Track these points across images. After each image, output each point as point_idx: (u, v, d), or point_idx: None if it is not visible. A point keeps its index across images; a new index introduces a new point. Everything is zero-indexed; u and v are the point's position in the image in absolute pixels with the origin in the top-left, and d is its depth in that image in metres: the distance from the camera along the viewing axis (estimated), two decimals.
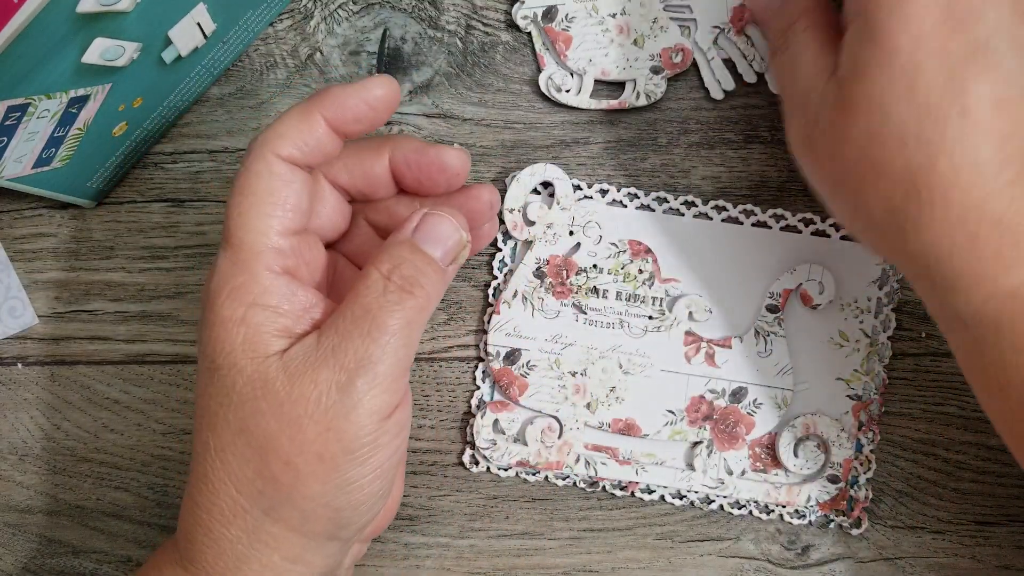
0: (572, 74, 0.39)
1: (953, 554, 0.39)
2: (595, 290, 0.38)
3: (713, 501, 0.38)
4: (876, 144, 0.28)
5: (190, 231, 0.40)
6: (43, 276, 0.40)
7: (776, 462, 0.38)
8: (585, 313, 0.38)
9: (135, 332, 0.40)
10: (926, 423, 0.39)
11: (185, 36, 0.35)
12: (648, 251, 0.38)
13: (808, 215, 0.38)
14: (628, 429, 0.38)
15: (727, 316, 0.38)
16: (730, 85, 0.38)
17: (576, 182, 0.38)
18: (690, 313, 0.38)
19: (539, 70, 0.39)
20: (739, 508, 0.38)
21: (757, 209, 0.38)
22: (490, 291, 0.39)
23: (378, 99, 0.31)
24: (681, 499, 0.38)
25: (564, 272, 0.38)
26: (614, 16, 0.38)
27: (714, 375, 0.38)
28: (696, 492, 0.38)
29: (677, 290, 0.38)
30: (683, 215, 0.38)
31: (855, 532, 0.38)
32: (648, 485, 0.39)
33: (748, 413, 0.38)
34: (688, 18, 0.38)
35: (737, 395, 0.38)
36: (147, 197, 0.40)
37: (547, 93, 0.39)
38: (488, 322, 0.38)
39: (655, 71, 0.38)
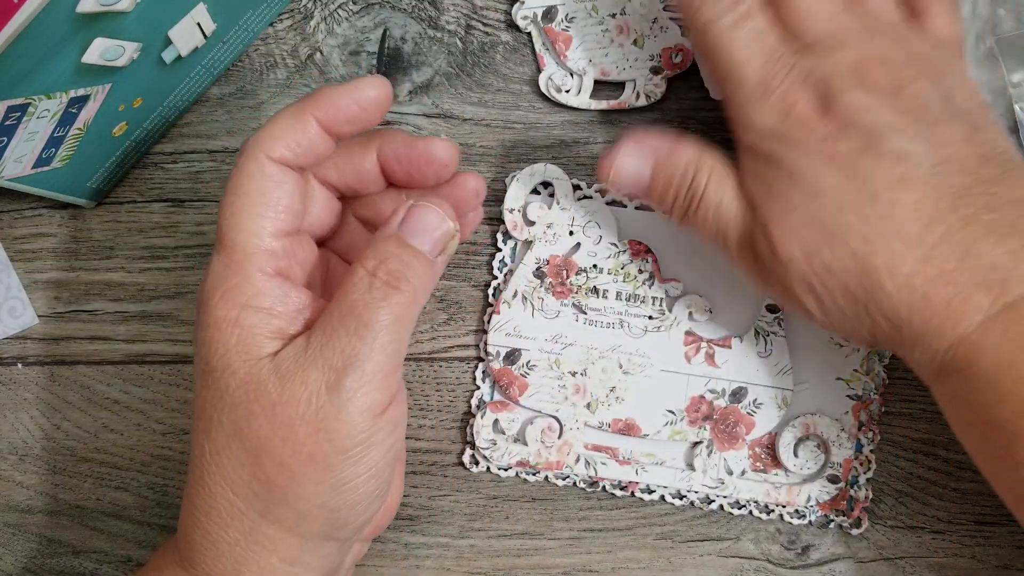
0: (572, 74, 0.39)
1: (953, 554, 0.39)
2: (595, 290, 0.38)
3: (713, 501, 0.38)
4: (817, 255, 0.30)
5: (190, 231, 0.40)
6: (43, 276, 0.40)
7: (776, 462, 0.38)
8: (585, 313, 0.38)
9: (135, 332, 0.40)
10: (926, 423, 0.39)
11: (185, 36, 0.35)
12: (648, 251, 0.38)
13: None
14: (628, 429, 0.38)
15: (727, 316, 0.38)
16: None
17: (576, 182, 0.38)
18: (690, 313, 0.38)
19: (539, 70, 0.39)
20: (739, 508, 0.38)
21: None
22: (490, 291, 0.39)
23: (370, 100, 0.31)
24: (681, 499, 0.38)
25: (564, 272, 0.38)
26: (614, 16, 0.38)
27: (714, 375, 0.38)
28: (696, 492, 0.38)
29: (677, 290, 0.38)
30: None
31: (855, 532, 0.38)
32: (648, 485, 0.39)
33: (748, 413, 0.38)
34: None
35: (737, 395, 0.38)
36: (147, 197, 0.40)
37: (547, 93, 0.39)
38: (488, 322, 0.38)
39: (655, 71, 0.38)
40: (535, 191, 0.38)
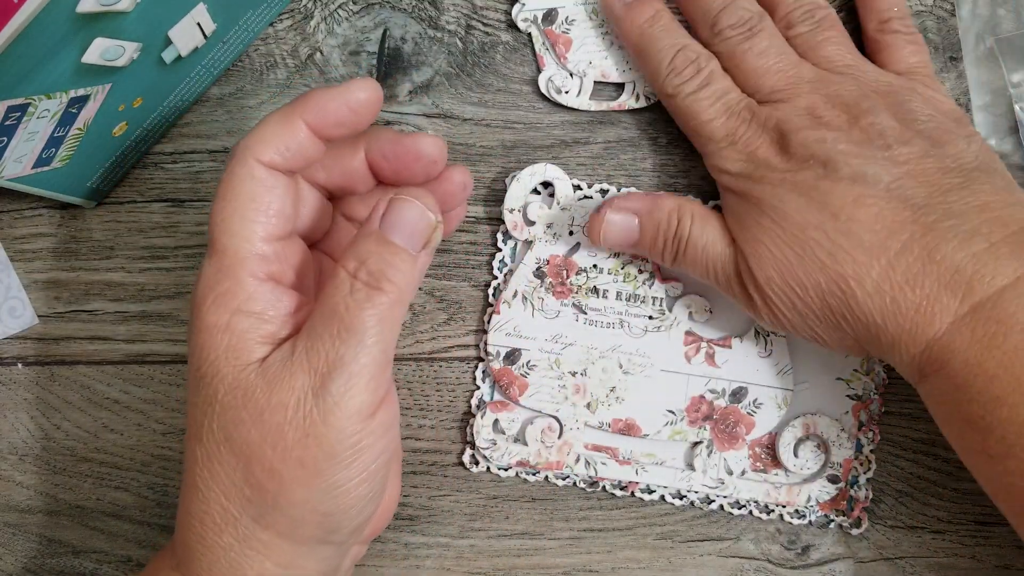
0: (572, 75, 0.39)
1: (953, 554, 0.39)
2: (595, 290, 0.38)
3: (713, 501, 0.38)
4: (790, 273, 0.33)
5: (190, 231, 0.40)
6: (43, 276, 0.40)
7: (776, 462, 0.38)
8: (585, 313, 0.38)
9: (135, 332, 0.40)
10: (926, 423, 0.39)
11: (185, 36, 0.35)
12: None
13: None
14: (628, 429, 0.38)
15: (727, 316, 0.38)
16: None
17: (576, 182, 0.38)
18: (690, 313, 0.38)
19: (539, 71, 0.39)
20: (739, 508, 0.38)
21: None
22: (490, 291, 0.39)
23: (360, 102, 0.30)
24: (681, 499, 0.38)
25: (564, 272, 0.38)
26: None
27: (714, 375, 0.38)
28: (696, 492, 0.38)
29: (677, 290, 0.38)
30: None
31: (855, 532, 0.38)
32: (648, 485, 0.39)
33: (748, 413, 0.38)
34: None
35: (737, 395, 0.38)
36: (147, 197, 0.40)
37: (547, 94, 0.39)
38: (488, 322, 0.38)
39: None
40: (535, 191, 0.38)
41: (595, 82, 0.39)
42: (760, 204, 0.33)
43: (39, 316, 0.40)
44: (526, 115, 0.39)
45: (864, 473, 0.38)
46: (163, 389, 0.40)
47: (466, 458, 0.39)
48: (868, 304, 0.32)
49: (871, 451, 0.38)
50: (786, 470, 0.38)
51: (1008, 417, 0.30)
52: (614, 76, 0.39)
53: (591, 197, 0.38)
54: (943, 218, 0.31)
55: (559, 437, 0.38)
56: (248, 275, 0.29)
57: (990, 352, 0.30)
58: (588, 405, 0.38)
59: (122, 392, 0.40)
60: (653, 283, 0.38)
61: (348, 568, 0.34)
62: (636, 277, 0.38)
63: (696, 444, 0.38)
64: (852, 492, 0.38)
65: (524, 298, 0.38)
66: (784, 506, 0.38)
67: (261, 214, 0.30)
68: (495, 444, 0.38)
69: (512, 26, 0.39)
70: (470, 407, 0.39)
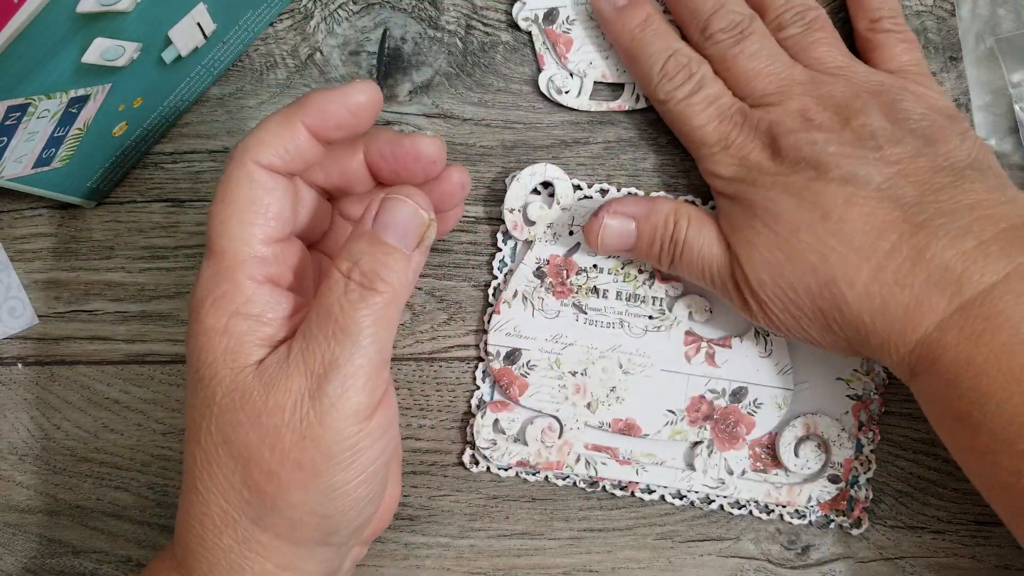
0: (572, 76, 0.39)
1: (953, 554, 0.39)
2: (595, 290, 0.38)
3: (713, 501, 0.38)
4: (781, 275, 0.33)
5: (190, 231, 0.40)
6: (43, 276, 0.40)
7: (776, 462, 0.38)
8: (585, 313, 0.38)
9: (135, 332, 0.40)
10: (926, 423, 0.38)
11: (185, 36, 0.35)
12: None
13: None
14: (628, 429, 0.38)
15: (727, 316, 0.38)
16: None
17: (576, 182, 0.38)
18: (690, 313, 0.38)
19: (539, 70, 0.39)
20: (739, 508, 0.38)
21: None
22: (490, 291, 0.39)
23: (360, 105, 0.30)
24: (681, 499, 0.38)
25: (564, 272, 0.38)
26: None
27: (714, 375, 0.38)
28: (696, 492, 0.38)
29: (677, 290, 0.38)
30: None
31: (855, 532, 0.38)
32: (648, 485, 0.39)
33: (748, 413, 0.38)
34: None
35: (737, 395, 0.38)
36: (147, 197, 0.40)
37: (547, 94, 0.39)
38: (488, 322, 0.38)
39: None
40: (535, 191, 0.38)
41: (595, 82, 0.39)
42: (753, 207, 0.33)
43: (39, 316, 0.40)
44: (526, 115, 0.39)
45: (864, 473, 0.38)
46: (163, 389, 0.40)
47: (466, 458, 0.39)
48: (858, 306, 0.32)
49: (871, 451, 0.38)
50: (786, 470, 0.38)
51: (997, 412, 0.30)
52: (614, 76, 0.39)
53: (591, 197, 0.38)
54: (934, 216, 0.31)
55: (559, 437, 0.38)
56: (246, 278, 0.29)
57: (978, 348, 0.30)
58: (588, 405, 0.38)
59: (122, 392, 0.40)
60: (653, 283, 0.38)
61: (348, 569, 0.34)
62: (636, 277, 0.38)
63: (696, 444, 0.38)
64: (852, 492, 0.38)
65: (524, 298, 0.38)
66: (784, 506, 0.38)
67: (260, 217, 0.30)
68: (495, 444, 0.38)
69: (512, 26, 0.39)
70: (470, 407, 0.39)
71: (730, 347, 0.38)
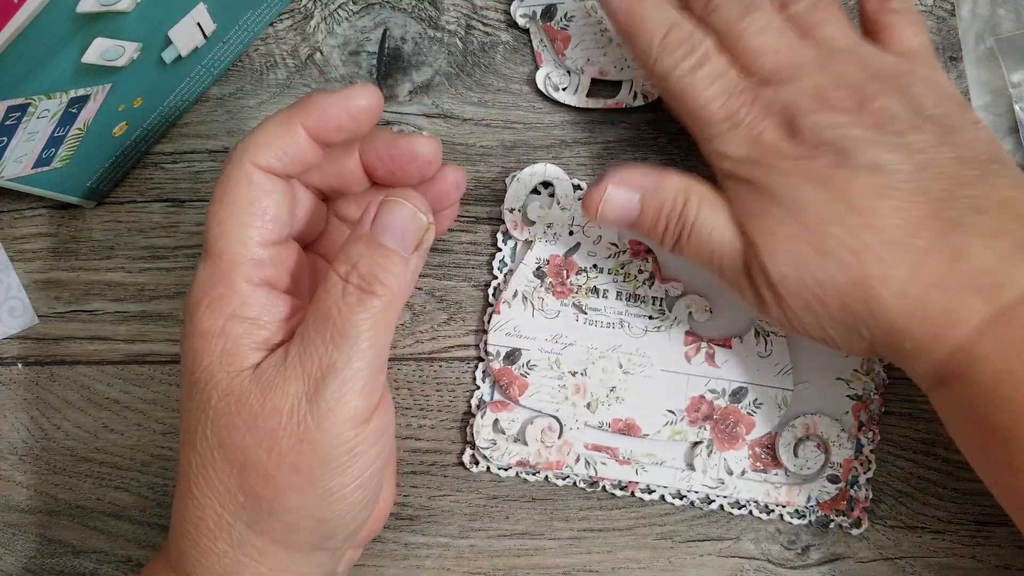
0: (569, 73, 0.39)
1: (953, 554, 0.39)
2: (595, 290, 0.38)
3: (713, 501, 0.38)
4: (807, 271, 0.30)
5: (190, 231, 0.40)
6: (43, 276, 0.40)
7: (776, 462, 0.38)
8: (585, 313, 0.38)
9: (135, 332, 0.40)
10: (926, 423, 0.39)
11: (185, 36, 0.35)
12: (648, 251, 0.38)
13: None
14: (628, 429, 0.38)
15: (727, 316, 0.38)
16: None
17: (576, 182, 0.38)
18: (690, 313, 0.38)
19: (536, 67, 0.39)
20: (739, 508, 0.38)
21: None
22: (490, 291, 0.39)
23: (361, 109, 0.30)
24: (681, 499, 0.38)
25: (564, 272, 0.38)
26: None
27: (714, 375, 0.38)
28: (696, 492, 0.38)
29: (677, 290, 0.38)
30: None
31: (855, 532, 0.38)
32: (648, 485, 0.39)
33: (748, 413, 0.38)
34: None
35: (737, 395, 0.38)
36: (147, 197, 0.40)
37: (544, 91, 0.39)
38: (488, 322, 0.38)
39: None
40: (535, 191, 0.38)
41: (593, 80, 0.39)
42: (771, 193, 0.31)
43: (39, 316, 0.40)
44: (526, 115, 0.39)
45: (864, 473, 0.38)
46: (163, 389, 0.40)
47: (466, 458, 0.39)
48: (894, 308, 0.29)
49: (871, 451, 0.38)
50: (786, 470, 0.38)
51: None
52: (612, 74, 0.39)
53: None
54: (967, 213, 0.29)
55: (559, 437, 0.38)
56: (243, 280, 0.29)
57: (1020, 357, 0.28)
58: (588, 405, 0.38)
59: (122, 392, 0.40)
60: (653, 283, 0.38)
61: (343, 573, 0.34)
62: (636, 277, 0.38)
63: (696, 444, 0.38)
64: (852, 492, 0.38)
65: (524, 298, 0.38)
66: (784, 506, 0.38)
67: (257, 219, 0.30)
68: (495, 444, 0.38)
69: (512, 26, 0.39)
70: (470, 407, 0.39)
71: (730, 347, 0.38)
